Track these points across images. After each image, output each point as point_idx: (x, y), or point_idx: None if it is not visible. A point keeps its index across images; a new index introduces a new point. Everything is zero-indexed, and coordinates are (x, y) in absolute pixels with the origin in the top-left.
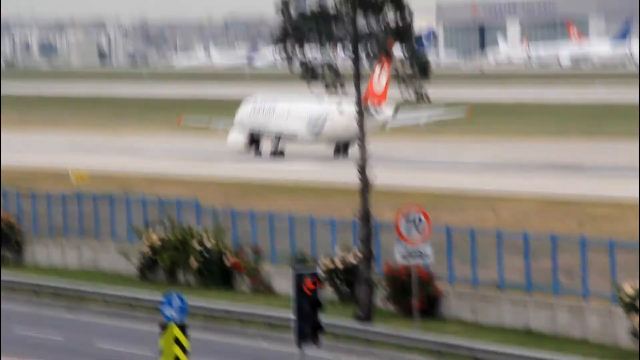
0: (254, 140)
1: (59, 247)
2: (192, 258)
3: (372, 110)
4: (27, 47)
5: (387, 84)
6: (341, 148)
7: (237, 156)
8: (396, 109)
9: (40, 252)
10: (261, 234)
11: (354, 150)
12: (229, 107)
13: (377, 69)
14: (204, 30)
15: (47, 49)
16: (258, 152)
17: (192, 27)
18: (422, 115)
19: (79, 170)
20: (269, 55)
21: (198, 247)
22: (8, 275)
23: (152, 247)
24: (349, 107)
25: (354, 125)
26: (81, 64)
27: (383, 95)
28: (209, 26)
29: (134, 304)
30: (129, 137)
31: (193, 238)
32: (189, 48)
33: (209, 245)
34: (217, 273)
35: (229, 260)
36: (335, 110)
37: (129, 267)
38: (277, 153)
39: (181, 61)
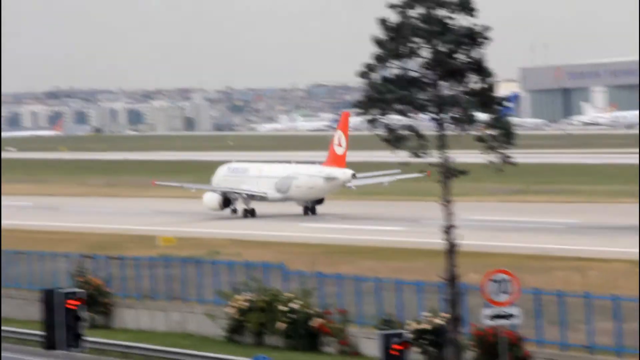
0: (227, 200)
1: (147, 310)
2: (278, 320)
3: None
4: (114, 114)
5: (346, 147)
6: (309, 207)
7: (321, 218)
8: (354, 174)
9: (129, 315)
10: (347, 296)
11: (321, 209)
12: None
13: (337, 134)
14: (287, 97)
15: (134, 116)
16: (233, 210)
17: (276, 94)
18: (381, 176)
19: (166, 235)
20: (352, 121)
21: (285, 309)
22: (98, 338)
23: (239, 310)
24: (315, 170)
25: (317, 186)
26: (166, 130)
27: (343, 159)
28: (293, 93)
29: None
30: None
31: (280, 300)
32: (272, 114)
33: (295, 307)
34: (304, 335)
35: (316, 322)
36: (301, 172)
37: (216, 329)
38: (249, 212)
39: (264, 127)
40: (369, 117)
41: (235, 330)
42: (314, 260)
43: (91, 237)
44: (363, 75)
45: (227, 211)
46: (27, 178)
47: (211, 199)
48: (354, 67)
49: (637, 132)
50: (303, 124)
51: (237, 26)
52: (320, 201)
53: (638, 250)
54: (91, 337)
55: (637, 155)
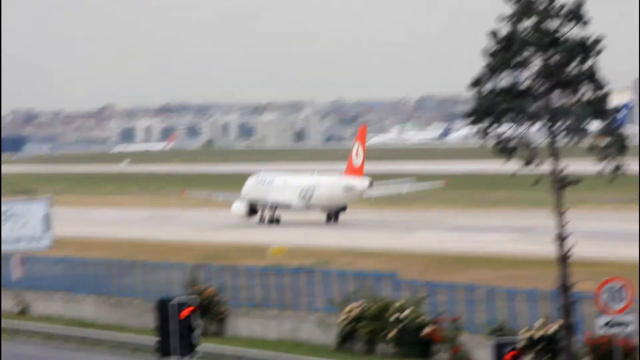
0: (253, 209)
1: (259, 318)
2: (390, 329)
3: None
4: (225, 128)
5: (364, 158)
6: (332, 215)
7: (431, 226)
8: (371, 182)
9: (241, 323)
10: (459, 305)
11: (343, 217)
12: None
13: (355, 145)
14: (398, 109)
15: (245, 130)
16: (261, 219)
17: (386, 106)
18: (402, 186)
19: (277, 245)
20: (461, 132)
21: (396, 318)
22: (211, 346)
23: (351, 318)
24: (334, 180)
25: (336, 195)
26: (277, 144)
27: (361, 169)
28: (403, 105)
29: None
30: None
31: (391, 309)
32: (382, 127)
33: (406, 315)
34: (415, 343)
35: (427, 330)
36: (321, 182)
37: (328, 338)
38: (274, 220)
39: (374, 139)
40: (479, 128)
41: (347, 338)
42: (425, 269)
43: (204, 247)
44: (473, 86)
45: (252, 219)
46: (142, 190)
47: (239, 207)
48: (464, 79)
49: None
50: (413, 136)
51: (347, 39)
52: (342, 209)
53: (638, 254)
54: (204, 345)
55: None
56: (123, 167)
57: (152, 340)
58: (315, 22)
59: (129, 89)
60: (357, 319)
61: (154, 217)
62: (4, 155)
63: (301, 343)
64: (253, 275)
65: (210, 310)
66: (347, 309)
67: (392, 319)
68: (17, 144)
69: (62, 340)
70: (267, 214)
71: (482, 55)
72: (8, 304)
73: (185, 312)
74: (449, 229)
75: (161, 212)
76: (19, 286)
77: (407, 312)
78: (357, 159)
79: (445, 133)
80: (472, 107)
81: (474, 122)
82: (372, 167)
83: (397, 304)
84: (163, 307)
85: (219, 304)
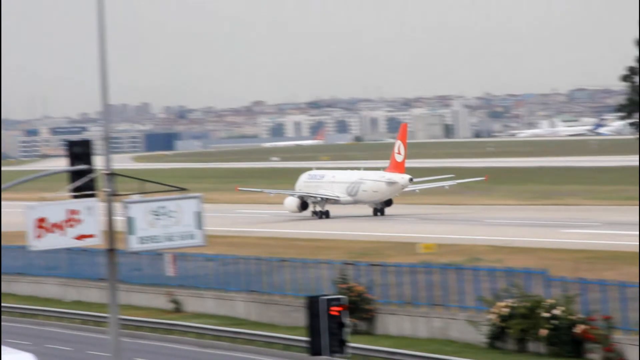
0: (304, 203)
1: (408, 316)
2: (541, 327)
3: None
4: (374, 123)
5: (405, 155)
6: (379, 209)
7: (582, 224)
8: (411, 179)
9: (391, 321)
10: (611, 302)
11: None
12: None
13: (397, 143)
14: (548, 102)
15: (394, 125)
16: (314, 212)
17: (536, 99)
18: (443, 182)
19: (427, 242)
20: (615, 125)
21: (547, 316)
22: (361, 344)
23: (501, 316)
24: (378, 175)
25: (381, 190)
26: (426, 138)
27: (402, 165)
28: (553, 98)
29: None
30: (473, 207)
31: (542, 307)
32: (533, 120)
33: (558, 313)
34: (567, 342)
35: (579, 329)
36: (366, 178)
37: (478, 336)
38: (324, 214)
39: (524, 133)
40: (633, 120)
41: (497, 336)
42: (576, 266)
43: (353, 244)
44: (626, 78)
45: (304, 213)
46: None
47: (290, 202)
48: (617, 70)
49: None
50: (564, 129)
51: (493, 33)
52: (388, 203)
53: (638, 244)
54: (354, 343)
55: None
56: (272, 163)
57: (302, 338)
58: (462, 16)
59: (279, 85)
60: (508, 317)
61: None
62: (158, 153)
63: (452, 341)
64: (402, 272)
65: (360, 308)
66: (498, 306)
67: (543, 317)
68: (170, 140)
69: (214, 339)
70: (317, 208)
71: (635, 46)
72: (161, 302)
73: (335, 310)
74: (598, 225)
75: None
76: (171, 283)
77: (558, 310)
78: (399, 155)
79: (598, 126)
80: (624, 99)
81: (626, 115)
82: (519, 162)
83: (549, 302)
84: (313, 305)
85: (368, 302)
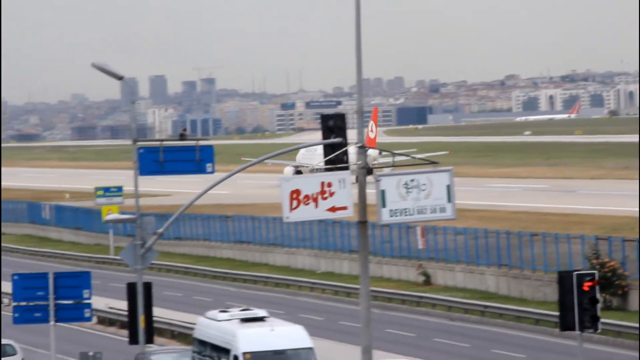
0: (298, 172)
1: None
2: None
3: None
4: (631, 97)
5: (376, 133)
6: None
7: None
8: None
9: None
10: None
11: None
12: None
13: (370, 124)
14: None
15: None
16: None
17: None
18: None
19: None
20: None
21: None
22: (612, 320)
23: None
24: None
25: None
26: None
27: (374, 141)
28: None
29: None
30: None
31: None
32: None
33: None
34: None
35: None
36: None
37: None
38: None
39: None
40: None
41: None
42: None
43: (606, 219)
44: None
45: None
46: (544, 162)
47: (287, 172)
48: None
49: None
50: None
51: None
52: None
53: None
54: (606, 320)
55: None
56: (524, 137)
57: (553, 313)
58: None
59: (534, 58)
60: None
61: (555, 188)
62: (409, 127)
63: None
64: None
65: (612, 284)
66: None
67: None
68: (422, 114)
69: (463, 312)
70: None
71: None
72: (411, 274)
73: (587, 285)
74: None
75: (561, 183)
76: (421, 256)
77: None
78: (372, 133)
79: None
80: None
81: None
82: None
83: None
84: (565, 280)
85: (622, 278)
